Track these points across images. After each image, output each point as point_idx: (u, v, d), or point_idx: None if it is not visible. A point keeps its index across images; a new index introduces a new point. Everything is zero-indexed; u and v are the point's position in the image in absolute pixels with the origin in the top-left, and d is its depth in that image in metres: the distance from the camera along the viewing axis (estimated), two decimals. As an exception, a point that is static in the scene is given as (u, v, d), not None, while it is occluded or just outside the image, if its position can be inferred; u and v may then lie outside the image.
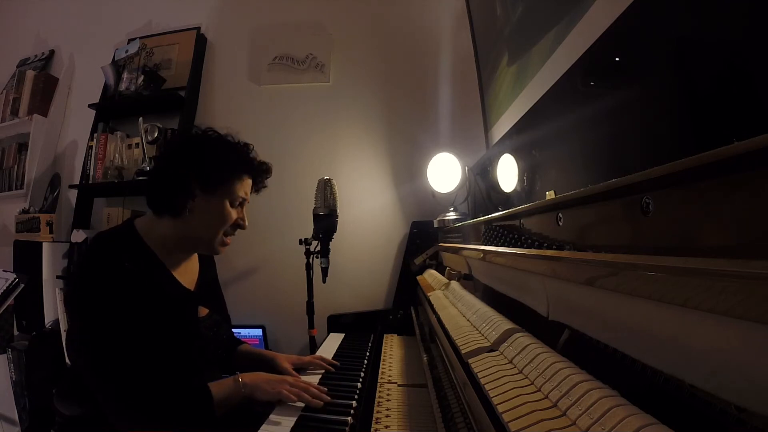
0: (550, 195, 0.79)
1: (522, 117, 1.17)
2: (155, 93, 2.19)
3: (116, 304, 0.84)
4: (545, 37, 1.01)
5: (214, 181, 0.96)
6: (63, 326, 2.03)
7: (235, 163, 1.00)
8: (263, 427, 0.82)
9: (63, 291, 2.10)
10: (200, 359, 0.98)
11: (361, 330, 1.64)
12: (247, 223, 1.03)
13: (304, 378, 1.06)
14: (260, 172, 1.07)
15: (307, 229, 1.45)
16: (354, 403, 0.91)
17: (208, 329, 1.04)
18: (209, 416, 0.86)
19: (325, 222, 1.41)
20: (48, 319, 2.07)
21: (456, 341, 0.72)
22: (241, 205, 1.02)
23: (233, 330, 1.25)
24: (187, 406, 0.85)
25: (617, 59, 0.70)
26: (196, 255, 1.11)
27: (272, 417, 0.86)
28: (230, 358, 1.17)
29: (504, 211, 0.89)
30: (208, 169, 0.96)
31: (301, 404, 0.91)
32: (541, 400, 0.43)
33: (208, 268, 1.15)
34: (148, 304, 0.88)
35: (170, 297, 0.95)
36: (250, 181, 1.04)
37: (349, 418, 0.84)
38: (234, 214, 1.00)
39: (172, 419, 0.82)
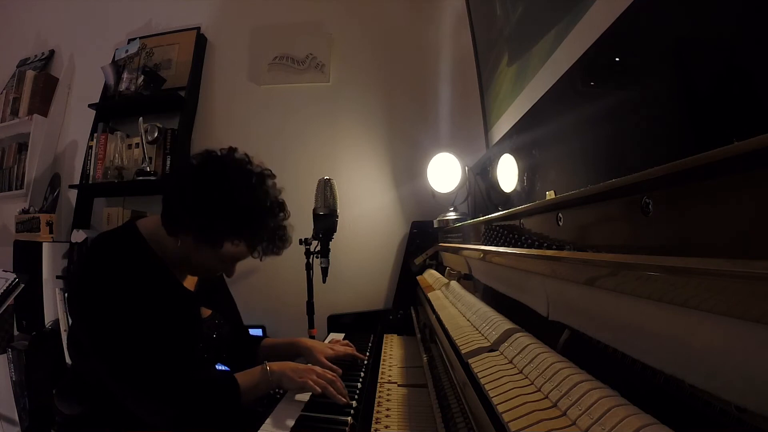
0: (550, 195, 0.79)
1: (522, 117, 1.17)
2: (155, 93, 2.19)
3: (123, 305, 0.84)
4: (545, 37, 1.01)
5: (205, 238, 0.87)
6: (63, 326, 2.03)
7: (235, 226, 0.87)
8: (263, 426, 0.83)
9: (63, 291, 2.10)
10: (202, 360, 0.98)
11: (361, 330, 1.64)
12: (232, 275, 0.98)
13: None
14: (265, 239, 0.93)
15: (307, 229, 1.45)
16: (354, 403, 0.91)
17: (210, 330, 1.04)
18: (235, 404, 0.87)
19: (325, 222, 1.41)
20: (48, 319, 2.07)
21: (456, 341, 0.72)
22: (234, 261, 0.95)
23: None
24: (212, 394, 0.86)
25: (617, 59, 0.70)
26: None
27: (272, 416, 0.86)
28: (253, 356, 1.17)
29: (504, 211, 0.89)
30: (200, 223, 0.85)
31: (302, 403, 0.91)
32: (541, 400, 0.43)
33: None
34: (151, 305, 0.88)
35: (172, 298, 0.95)
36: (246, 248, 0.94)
37: (349, 418, 0.84)
38: (220, 267, 0.94)
39: (198, 408, 0.83)
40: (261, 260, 0.99)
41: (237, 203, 0.87)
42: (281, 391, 0.97)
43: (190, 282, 1.03)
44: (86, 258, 0.92)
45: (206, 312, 1.06)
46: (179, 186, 0.89)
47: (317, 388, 0.90)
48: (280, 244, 0.97)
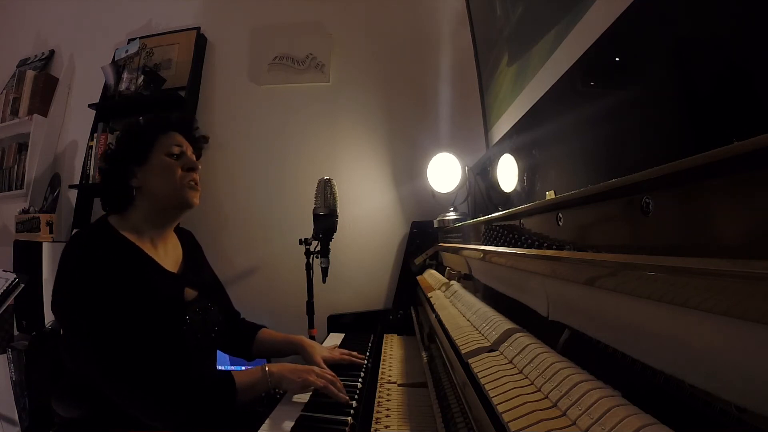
0: (550, 195, 0.79)
1: (522, 117, 1.17)
2: (155, 93, 2.19)
3: (109, 299, 0.85)
4: (545, 37, 1.01)
5: (140, 150, 1.02)
6: (63, 326, 2.03)
7: (149, 126, 1.08)
8: (263, 426, 0.83)
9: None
10: (189, 343, 0.97)
11: (361, 330, 1.64)
12: (198, 166, 1.08)
13: None
14: (178, 123, 1.12)
15: (307, 229, 1.45)
16: (354, 403, 0.91)
17: (195, 313, 1.02)
18: (230, 402, 0.87)
19: (325, 222, 1.41)
20: (48, 319, 2.07)
21: (456, 341, 0.72)
22: (180, 156, 1.05)
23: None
24: (207, 391, 0.86)
25: (617, 59, 0.70)
26: (176, 238, 1.11)
27: (272, 417, 0.86)
28: (248, 345, 1.19)
29: (504, 211, 0.89)
30: (129, 146, 1.03)
31: (301, 404, 0.91)
32: (541, 400, 0.43)
33: (192, 250, 1.15)
34: (136, 293, 0.88)
35: (155, 281, 0.95)
36: (176, 134, 1.08)
37: (349, 418, 0.84)
38: (176, 163, 1.04)
39: (192, 404, 0.83)
40: (197, 146, 1.14)
41: (134, 122, 1.11)
42: (281, 391, 0.97)
43: (171, 264, 1.04)
44: (65, 259, 0.91)
45: (191, 294, 1.05)
46: (103, 163, 1.08)
47: (319, 383, 0.91)
48: (181, 118, 1.15)
